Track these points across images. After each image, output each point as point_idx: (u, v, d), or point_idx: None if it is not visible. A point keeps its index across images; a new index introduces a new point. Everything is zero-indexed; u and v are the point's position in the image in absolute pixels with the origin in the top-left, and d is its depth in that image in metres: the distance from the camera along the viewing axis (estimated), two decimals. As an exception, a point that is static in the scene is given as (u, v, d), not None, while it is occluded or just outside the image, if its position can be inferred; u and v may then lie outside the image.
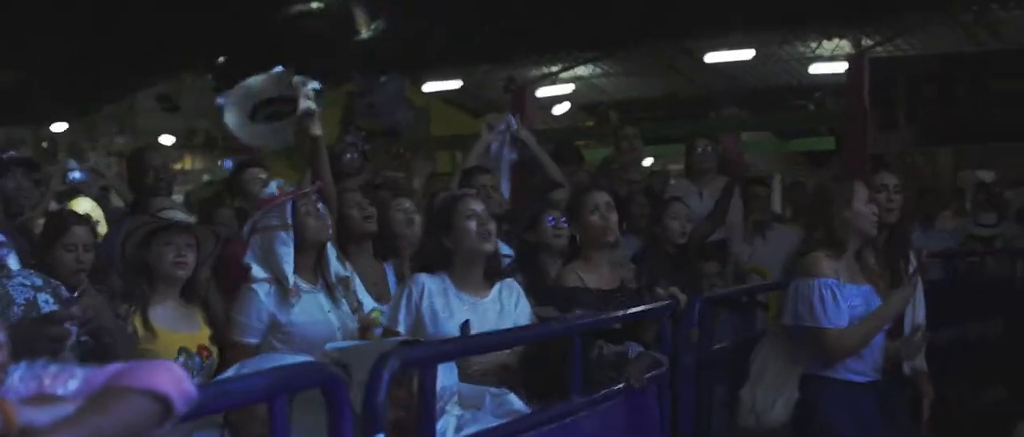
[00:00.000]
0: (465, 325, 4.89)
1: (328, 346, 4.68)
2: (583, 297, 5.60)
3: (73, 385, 2.23)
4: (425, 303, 5.15)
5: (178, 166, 25.09)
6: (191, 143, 23.84)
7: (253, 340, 5.28)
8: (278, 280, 5.33)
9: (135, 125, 23.08)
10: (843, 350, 5.56)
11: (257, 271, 5.37)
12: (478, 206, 5.35)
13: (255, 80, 6.30)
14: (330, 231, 5.61)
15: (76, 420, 2.07)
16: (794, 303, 5.62)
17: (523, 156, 8.80)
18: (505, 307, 5.36)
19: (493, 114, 8.65)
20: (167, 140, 22.91)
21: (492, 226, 5.34)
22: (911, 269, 6.14)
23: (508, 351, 5.42)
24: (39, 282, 3.80)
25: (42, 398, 2.17)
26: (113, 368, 2.26)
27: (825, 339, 5.53)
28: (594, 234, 6.01)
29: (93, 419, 2.09)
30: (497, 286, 5.40)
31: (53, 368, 2.28)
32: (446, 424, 4.60)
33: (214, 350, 4.96)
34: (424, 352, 4.18)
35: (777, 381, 5.70)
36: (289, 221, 5.39)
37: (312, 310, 5.39)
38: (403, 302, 5.18)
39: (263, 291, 5.30)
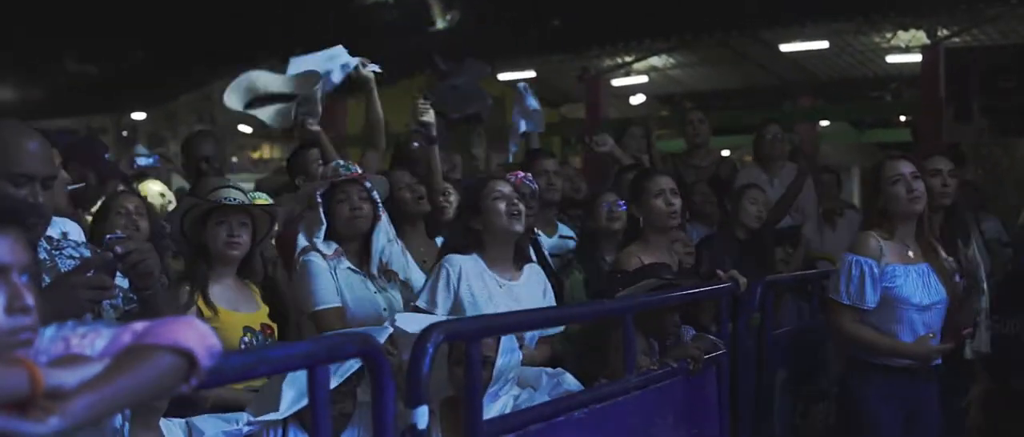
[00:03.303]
0: None
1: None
2: (662, 270, 5.54)
3: (100, 344, 2.25)
4: (463, 286, 5.13)
5: (256, 154, 25.34)
6: (269, 132, 23.95)
7: (336, 303, 5.36)
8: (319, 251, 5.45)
9: (213, 114, 23.28)
10: (847, 334, 5.56)
11: (302, 242, 5.50)
12: (505, 188, 5.35)
13: (261, 75, 6.51)
14: (369, 222, 5.59)
15: (102, 380, 2.08)
16: (833, 277, 5.70)
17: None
18: (535, 292, 5.37)
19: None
20: (245, 129, 23.08)
21: (522, 207, 5.34)
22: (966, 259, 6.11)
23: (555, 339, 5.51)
24: (87, 254, 3.72)
25: (69, 359, 2.18)
26: (139, 326, 2.27)
27: (836, 314, 5.57)
28: (657, 218, 5.97)
29: (118, 378, 2.11)
30: (526, 270, 5.42)
31: (81, 328, 2.30)
32: (506, 404, 4.64)
33: (275, 327, 4.99)
34: (469, 325, 4.15)
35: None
36: (318, 204, 5.50)
37: (358, 289, 5.46)
38: (441, 284, 5.14)
39: (316, 258, 5.41)
